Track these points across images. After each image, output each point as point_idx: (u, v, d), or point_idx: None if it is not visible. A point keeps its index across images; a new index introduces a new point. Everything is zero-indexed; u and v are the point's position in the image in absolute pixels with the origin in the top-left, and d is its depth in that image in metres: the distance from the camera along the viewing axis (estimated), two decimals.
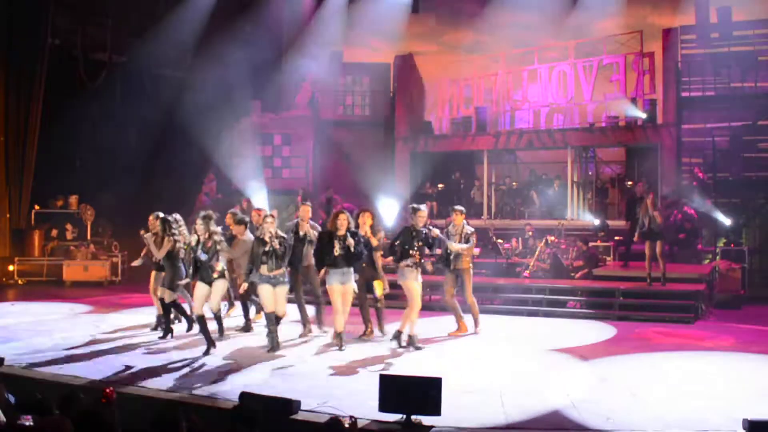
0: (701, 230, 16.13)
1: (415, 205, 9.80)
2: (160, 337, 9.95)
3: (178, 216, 10.20)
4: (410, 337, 9.38)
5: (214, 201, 18.97)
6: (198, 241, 9.03)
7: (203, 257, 8.94)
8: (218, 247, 9.03)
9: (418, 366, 8.37)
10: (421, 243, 9.40)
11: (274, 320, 9.13)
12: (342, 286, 9.17)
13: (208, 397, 6.95)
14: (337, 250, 9.07)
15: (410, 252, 9.33)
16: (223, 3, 19.38)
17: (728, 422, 6.10)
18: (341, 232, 9.11)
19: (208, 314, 9.36)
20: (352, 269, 9.23)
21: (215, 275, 8.99)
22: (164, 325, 10.06)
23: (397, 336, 9.44)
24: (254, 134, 20.65)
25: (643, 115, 17.70)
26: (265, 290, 9.05)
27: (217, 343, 9.32)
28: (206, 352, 8.91)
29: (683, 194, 16.62)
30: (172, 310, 10.15)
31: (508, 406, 6.73)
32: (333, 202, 17.91)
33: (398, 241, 9.53)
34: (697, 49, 18.17)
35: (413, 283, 9.38)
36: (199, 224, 9.02)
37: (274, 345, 9.09)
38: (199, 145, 18.46)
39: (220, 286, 9.13)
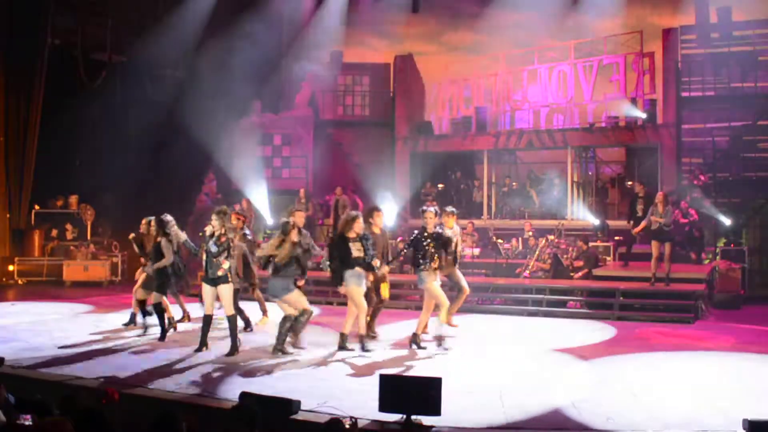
0: (703, 230, 16.13)
1: (423, 207, 9.77)
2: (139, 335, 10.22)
3: (169, 216, 10.22)
4: (414, 335, 9.39)
5: (214, 201, 18.97)
6: (212, 234, 9.04)
7: (213, 249, 8.94)
8: (231, 245, 9.03)
9: (418, 366, 8.38)
10: (432, 244, 9.32)
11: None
12: (359, 288, 9.20)
13: (208, 397, 6.95)
14: (354, 252, 9.09)
15: (426, 257, 9.26)
16: (223, 3, 19.37)
17: (728, 422, 6.10)
18: (353, 234, 9.13)
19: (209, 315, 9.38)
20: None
21: (220, 272, 8.97)
22: (161, 327, 10.15)
23: (440, 340, 9.41)
24: (254, 134, 20.65)
25: (643, 115, 17.70)
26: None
27: (218, 343, 9.35)
28: (197, 350, 9.00)
29: (683, 194, 16.63)
30: (153, 312, 10.24)
31: (508, 406, 6.73)
32: (341, 204, 17.88)
33: (409, 248, 9.48)
34: (697, 49, 18.17)
35: (432, 285, 9.34)
36: (215, 219, 9.04)
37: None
38: (199, 145, 18.46)
39: (227, 290, 9.05)
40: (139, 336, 10.19)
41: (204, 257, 9.09)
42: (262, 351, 9.13)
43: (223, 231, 8.99)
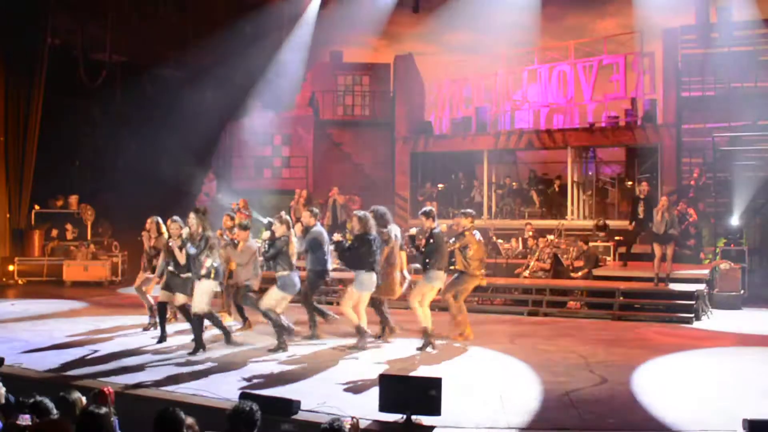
0: (701, 229, 16.13)
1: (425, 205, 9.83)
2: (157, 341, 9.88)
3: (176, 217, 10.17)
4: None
5: (214, 201, 18.97)
6: (190, 235, 9.00)
7: (192, 251, 8.91)
8: (210, 243, 8.98)
9: (418, 366, 8.37)
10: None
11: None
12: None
13: (208, 397, 6.95)
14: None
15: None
16: (223, 3, 19.38)
17: (728, 422, 6.10)
18: (348, 236, 9.20)
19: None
20: (357, 272, 9.19)
21: (203, 271, 8.94)
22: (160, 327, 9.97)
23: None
24: (254, 134, 20.66)
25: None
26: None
27: (217, 343, 9.35)
28: (193, 352, 8.91)
29: (683, 194, 16.65)
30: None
31: (508, 406, 6.73)
32: (338, 204, 17.84)
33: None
34: (697, 49, 18.17)
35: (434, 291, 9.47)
36: (192, 218, 9.00)
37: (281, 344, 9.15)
38: (199, 145, 18.45)
39: (206, 286, 9.02)
40: (138, 336, 10.19)
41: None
42: (261, 351, 9.13)
43: (199, 230, 8.95)
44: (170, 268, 9.53)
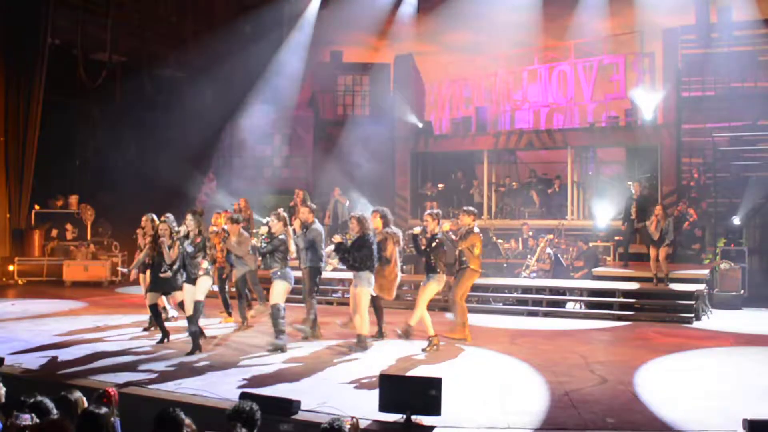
0: (704, 229, 16.13)
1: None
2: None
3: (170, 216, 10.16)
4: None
5: (214, 201, 18.97)
6: (187, 235, 9.01)
7: (189, 249, 8.92)
8: (207, 244, 9.01)
9: (418, 366, 8.38)
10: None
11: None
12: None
13: (208, 397, 6.95)
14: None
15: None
16: (223, 2, 19.39)
17: (728, 422, 6.10)
18: (348, 235, 9.19)
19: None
20: (359, 273, 9.18)
21: (201, 272, 8.96)
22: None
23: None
24: (254, 134, 20.68)
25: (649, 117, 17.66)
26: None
27: (219, 343, 9.34)
28: (190, 353, 8.88)
29: (683, 194, 16.65)
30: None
31: (509, 406, 6.73)
32: (340, 204, 17.82)
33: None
34: (697, 49, 18.17)
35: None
36: (189, 219, 9.01)
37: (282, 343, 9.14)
38: (198, 145, 18.43)
39: (206, 281, 9.06)
40: (141, 337, 10.19)
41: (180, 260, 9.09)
42: (261, 351, 9.13)
43: (197, 231, 8.97)
44: (163, 270, 9.55)
